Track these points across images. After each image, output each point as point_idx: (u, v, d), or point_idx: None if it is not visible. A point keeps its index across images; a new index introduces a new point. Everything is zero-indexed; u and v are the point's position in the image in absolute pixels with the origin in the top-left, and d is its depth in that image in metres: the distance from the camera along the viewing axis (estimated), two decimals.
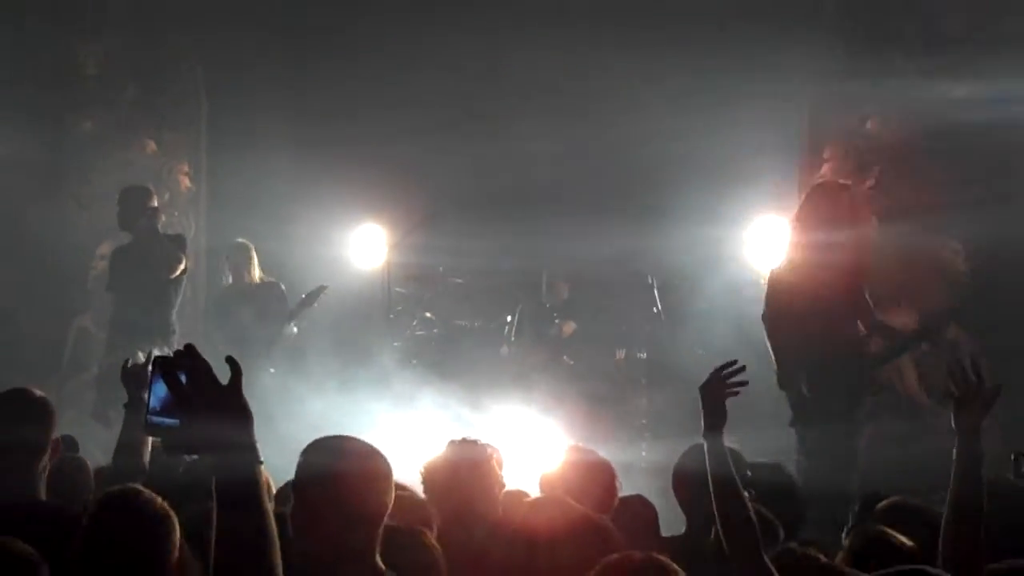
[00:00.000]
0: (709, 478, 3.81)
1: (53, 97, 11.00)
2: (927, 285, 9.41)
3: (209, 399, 2.53)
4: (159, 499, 3.56)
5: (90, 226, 10.64)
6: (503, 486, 4.98)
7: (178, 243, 9.86)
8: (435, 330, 11.47)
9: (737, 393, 4.12)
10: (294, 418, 7.63)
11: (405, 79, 10.52)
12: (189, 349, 2.58)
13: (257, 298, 10.15)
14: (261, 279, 10.28)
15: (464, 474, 4.85)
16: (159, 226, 9.72)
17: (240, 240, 10.36)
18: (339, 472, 3.39)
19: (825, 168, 10.15)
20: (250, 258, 10.26)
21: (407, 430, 8.86)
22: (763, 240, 10.39)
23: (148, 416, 2.58)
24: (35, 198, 10.77)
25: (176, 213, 11.30)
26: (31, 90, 10.67)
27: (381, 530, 3.46)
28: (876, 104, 9.71)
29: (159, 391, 2.58)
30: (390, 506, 3.47)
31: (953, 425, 4.05)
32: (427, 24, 10.17)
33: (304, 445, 3.56)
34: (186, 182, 11.51)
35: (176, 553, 3.48)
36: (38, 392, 4.56)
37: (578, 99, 10.36)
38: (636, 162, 10.53)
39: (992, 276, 9.08)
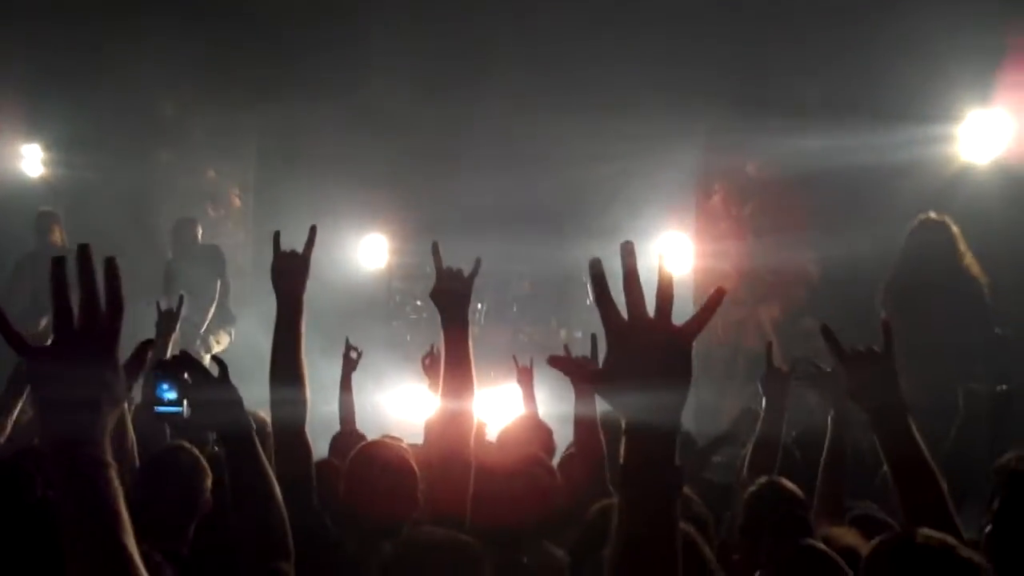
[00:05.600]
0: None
1: (137, 134, 10.78)
2: (790, 287, 9.46)
3: (209, 392, 2.54)
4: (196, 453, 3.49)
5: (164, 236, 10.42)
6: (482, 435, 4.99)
7: (214, 252, 9.82)
8: (424, 315, 11.50)
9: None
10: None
11: (403, 128, 10.50)
12: (184, 355, 2.60)
13: None
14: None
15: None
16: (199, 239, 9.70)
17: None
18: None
19: (715, 198, 10.16)
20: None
21: (402, 390, 8.89)
22: (668, 250, 10.48)
23: (156, 408, 2.58)
24: (124, 215, 10.63)
25: (229, 225, 11.23)
26: (120, 128, 10.50)
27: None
28: (754, 151, 9.70)
29: (162, 388, 2.57)
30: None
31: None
32: (424, 90, 10.15)
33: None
34: (237, 201, 11.41)
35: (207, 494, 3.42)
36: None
37: (534, 146, 10.35)
38: (574, 194, 10.59)
39: (837, 281, 9.12)
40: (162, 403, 2.54)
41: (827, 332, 2.97)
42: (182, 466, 3.31)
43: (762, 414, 4.30)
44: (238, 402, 2.55)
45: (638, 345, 1.77)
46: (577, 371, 3.96)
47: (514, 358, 5.20)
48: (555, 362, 2.94)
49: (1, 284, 9.56)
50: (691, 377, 1.77)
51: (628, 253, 1.81)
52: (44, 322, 8.21)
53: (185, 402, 2.51)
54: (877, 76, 8.65)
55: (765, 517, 3.31)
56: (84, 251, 1.67)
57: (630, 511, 1.73)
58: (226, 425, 2.52)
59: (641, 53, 9.58)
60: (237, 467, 2.51)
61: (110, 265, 1.71)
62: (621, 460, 1.75)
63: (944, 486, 2.71)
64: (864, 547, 2.60)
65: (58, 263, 1.66)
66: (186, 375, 2.53)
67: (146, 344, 3.38)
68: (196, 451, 3.38)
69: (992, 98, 8.43)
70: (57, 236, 9.80)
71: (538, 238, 10.21)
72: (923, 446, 2.73)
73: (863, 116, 8.47)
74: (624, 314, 1.80)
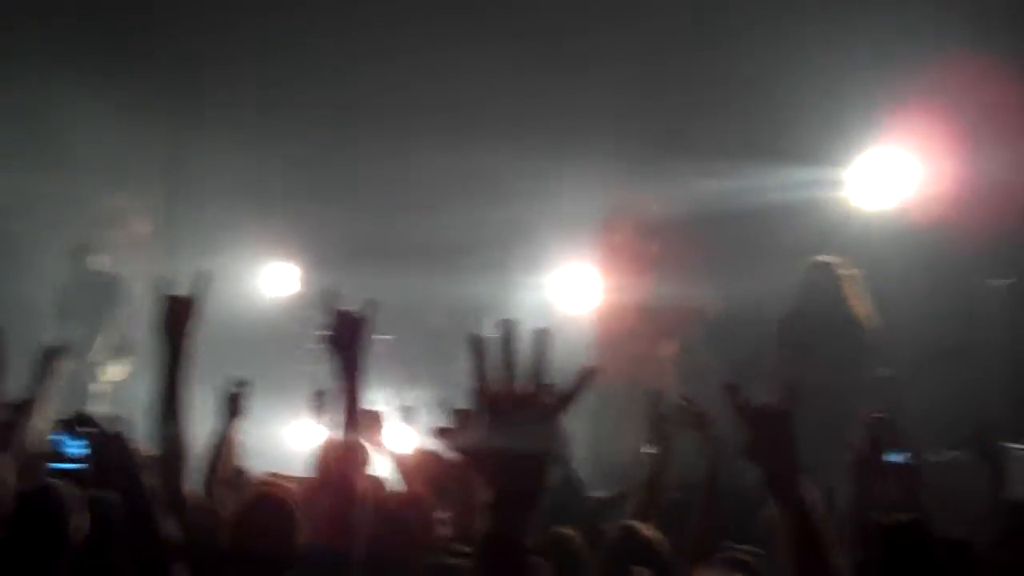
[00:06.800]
0: None
1: (35, 152, 10.38)
2: (686, 323, 9.62)
3: (111, 452, 2.66)
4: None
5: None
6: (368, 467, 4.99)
7: (111, 280, 9.64)
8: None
9: None
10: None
11: (311, 157, 10.52)
12: (84, 415, 2.68)
13: None
14: None
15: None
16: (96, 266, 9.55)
17: None
18: None
19: (621, 234, 10.25)
20: None
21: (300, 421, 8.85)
22: (574, 283, 10.58)
23: (54, 464, 2.60)
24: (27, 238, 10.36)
25: (133, 252, 10.95)
26: (16, 146, 10.16)
27: None
28: (657, 190, 9.86)
29: (68, 445, 2.61)
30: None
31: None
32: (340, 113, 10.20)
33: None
34: (141, 228, 11.16)
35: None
36: None
37: (443, 180, 10.41)
38: (481, 226, 10.61)
39: (734, 318, 9.27)
40: (66, 459, 2.59)
41: (733, 389, 2.85)
42: (52, 503, 3.23)
43: (649, 460, 4.34)
44: (137, 464, 2.60)
45: (505, 418, 1.83)
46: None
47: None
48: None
49: None
50: (553, 452, 1.85)
51: (505, 330, 1.90)
52: None
53: (87, 460, 2.56)
54: (772, 119, 8.92)
55: (618, 564, 3.40)
56: None
57: None
58: (128, 486, 2.55)
59: (550, 90, 9.75)
60: (137, 525, 2.57)
61: None
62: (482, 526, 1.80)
63: (833, 554, 2.68)
64: None
65: None
66: (88, 432, 2.58)
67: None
68: (68, 489, 3.31)
69: (883, 141, 8.75)
70: None
71: (445, 269, 10.25)
72: (815, 513, 2.70)
73: (757, 158, 8.73)
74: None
